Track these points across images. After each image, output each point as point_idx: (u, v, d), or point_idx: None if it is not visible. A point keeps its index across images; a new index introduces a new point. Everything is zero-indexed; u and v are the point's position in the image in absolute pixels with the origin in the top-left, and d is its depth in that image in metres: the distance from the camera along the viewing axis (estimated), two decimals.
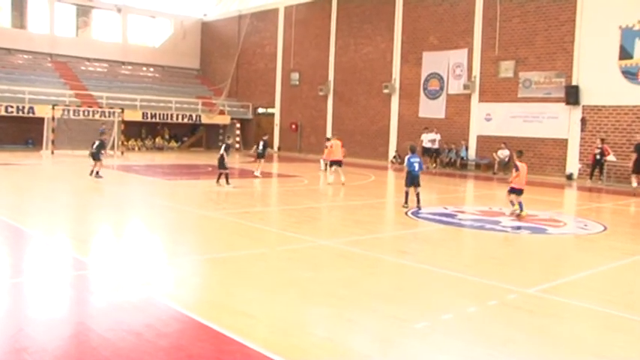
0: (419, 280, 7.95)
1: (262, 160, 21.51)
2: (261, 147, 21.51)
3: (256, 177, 20.71)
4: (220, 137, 39.25)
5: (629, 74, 23.22)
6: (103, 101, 33.88)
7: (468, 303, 6.78)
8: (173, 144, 37.75)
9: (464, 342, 5.62)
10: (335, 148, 19.78)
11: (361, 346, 5.44)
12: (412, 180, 13.82)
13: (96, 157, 18.40)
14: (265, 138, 22.80)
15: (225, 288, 7.10)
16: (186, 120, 36.82)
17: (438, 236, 11.54)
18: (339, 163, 19.54)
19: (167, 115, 35.90)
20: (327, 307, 6.53)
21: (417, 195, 13.84)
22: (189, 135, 39.41)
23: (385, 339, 5.69)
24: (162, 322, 5.81)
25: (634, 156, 20.57)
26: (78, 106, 32.08)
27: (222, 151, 17.31)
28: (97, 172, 18.22)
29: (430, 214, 13.42)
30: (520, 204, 13.28)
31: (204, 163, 27.35)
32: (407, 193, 13.97)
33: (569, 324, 6.37)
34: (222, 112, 38.53)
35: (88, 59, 40.31)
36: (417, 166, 13.77)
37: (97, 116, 31.48)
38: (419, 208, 13.65)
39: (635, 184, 20.37)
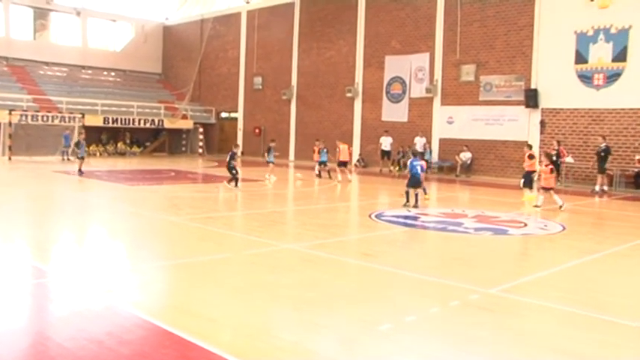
0: (383, 282, 8.00)
1: (271, 165, 22.99)
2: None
3: (266, 179, 22.17)
4: (183, 142, 39.00)
5: (584, 78, 23.85)
6: (63, 106, 33.19)
7: (431, 304, 6.85)
8: (135, 149, 37.23)
9: (427, 342, 5.68)
10: (342, 151, 22.82)
11: (327, 348, 5.45)
12: (414, 182, 15.04)
13: (81, 155, 21.57)
14: (272, 145, 24.12)
15: (189, 293, 7.03)
16: (148, 125, 36.33)
17: (401, 238, 11.64)
18: (344, 164, 22.70)
19: (129, 119, 35.37)
20: (293, 310, 6.52)
21: (416, 195, 15.12)
22: (152, 140, 38.94)
23: (350, 341, 5.71)
24: (125, 330, 5.72)
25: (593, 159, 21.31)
26: (36, 111, 31.37)
27: (228, 158, 18.67)
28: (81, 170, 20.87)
29: (393, 216, 13.53)
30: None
31: (167, 168, 27.04)
32: (407, 193, 15.22)
33: (531, 322, 6.49)
34: (184, 117, 38.19)
35: (47, 63, 39.48)
36: (419, 169, 14.96)
37: (56, 121, 30.86)
38: (416, 206, 14.83)
39: (597, 187, 21.03)
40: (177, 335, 5.52)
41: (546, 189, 15.98)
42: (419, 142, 28.68)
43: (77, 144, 22.90)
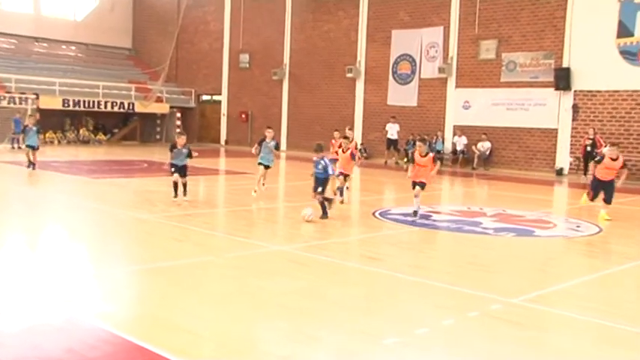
0: (389, 289, 8.00)
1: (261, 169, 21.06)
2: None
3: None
4: (158, 129, 38.83)
5: (628, 54, 23.75)
6: (12, 85, 32.76)
7: (445, 315, 6.85)
8: (101, 137, 37.11)
9: (440, 359, 5.68)
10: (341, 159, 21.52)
11: None
12: (317, 184, 13.31)
13: (30, 144, 19.85)
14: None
15: (164, 302, 7.01)
16: (116, 108, 36.14)
17: (409, 239, 11.64)
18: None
19: (93, 102, 35.10)
20: (285, 321, 6.51)
21: (323, 203, 12.95)
22: (121, 126, 38.85)
23: (350, 356, 5.71)
24: (88, 346, 5.70)
25: None
26: None
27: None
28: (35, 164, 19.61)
29: (401, 214, 13.54)
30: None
31: (138, 159, 27.01)
32: (322, 204, 13.02)
33: (560, 337, 6.50)
34: (159, 100, 38.02)
35: None
36: (325, 167, 13.24)
37: (4, 103, 30.57)
38: (324, 217, 12.67)
39: None
40: (151, 351, 5.50)
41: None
42: (391, 129, 28.63)
43: (24, 130, 21.00)
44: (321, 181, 12.64)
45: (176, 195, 13.92)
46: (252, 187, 15.80)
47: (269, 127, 16.65)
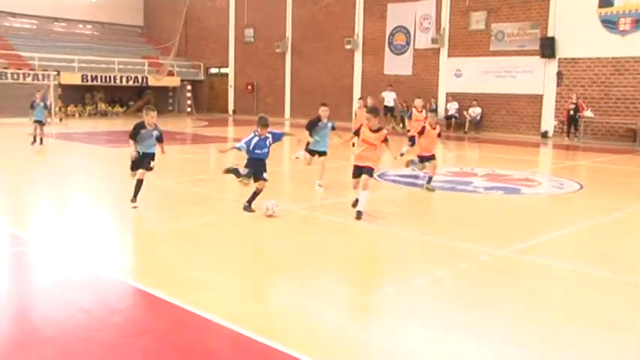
0: (388, 244, 8.09)
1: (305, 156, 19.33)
2: None
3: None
4: (170, 101, 38.75)
5: (608, 23, 23.54)
6: (35, 62, 32.68)
7: (439, 266, 6.95)
8: (118, 109, 37.04)
9: (435, 306, 5.78)
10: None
11: (332, 313, 5.55)
12: (254, 167, 11.33)
13: (38, 119, 18.17)
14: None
15: (181, 259, 7.11)
16: (131, 82, 35.99)
17: (407, 199, 11.72)
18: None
19: (109, 77, 34.99)
20: (293, 274, 6.61)
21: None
22: (136, 99, 38.72)
23: (354, 304, 5.82)
24: (114, 298, 5.81)
25: None
26: (5, 67, 30.89)
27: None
28: (42, 139, 18.30)
29: (398, 176, 13.59)
30: None
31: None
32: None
33: (545, 284, 6.60)
34: (170, 74, 37.87)
35: (13, 14, 38.51)
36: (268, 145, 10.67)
37: (28, 79, 30.48)
38: (248, 208, 9.75)
39: None
40: (170, 302, 5.60)
41: None
42: (387, 97, 28.43)
43: (32, 105, 18.36)
44: (261, 163, 9.58)
45: (135, 197, 9.54)
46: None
47: (324, 104, 12.45)
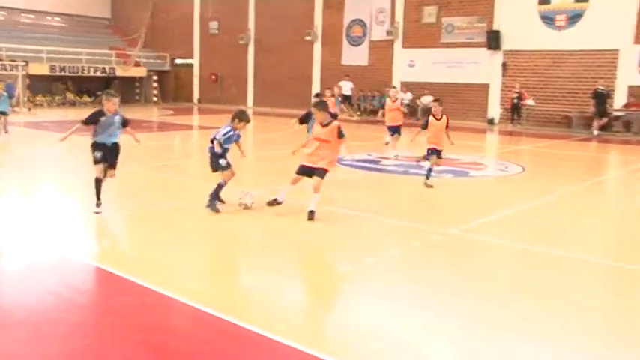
0: (345, 226, 8.11)
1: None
2: None
3: None
4: (137, 91, 38.07)
5: (547, 19, 24.04)
6: (3, 53, 31.73)
7: (392, 245, 7.00)
8: (86, 99, 36.20)
9: (387, 282, 5.83)
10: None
11: (290, 293, 5.55)
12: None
13: (6, 111, 17.41)
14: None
15: (146, 242, 7.03)
16: (99, 73, 35.20)
17: (362, 182, 11.76)
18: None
19: (78, 68, 34.20)
20: (255, 256, 6.59)
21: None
22: (103, 89, 37.85)
23: (311, 282, 5.83)
24: (81, 280, 5.72)
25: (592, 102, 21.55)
26: None
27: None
28: (6, 128, 17.54)
29: (354, 160, 13.63)
30: None
31: None
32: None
33: (490, 260, 6.72)
34: (137, 64, 37.20)
35: None
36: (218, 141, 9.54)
37: None
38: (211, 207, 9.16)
39: (595, 131, 21.21)
40: (136, 283, 5.53)
41: None
42: (345, 86, 28.43)
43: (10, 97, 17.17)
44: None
45: (99, 199, 8.27)
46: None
47: (317, 95, 11.80)
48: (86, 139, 8.47)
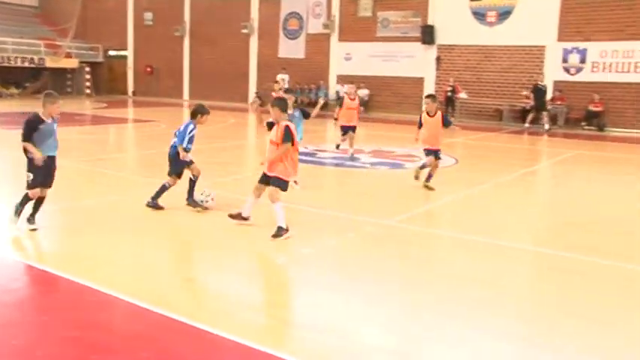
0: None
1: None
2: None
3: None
4: (68, 83, 36.88)
5: (478, 15, 24.71)
6: None
7: (328, 237, 7.09)
8: (13, 90, 34.78)
9: (322, 272, 5.91)
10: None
11: (224, 283, 5.55)
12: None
13: None
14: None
15: (79, 237, 6.86)
16: (27, 64, 33.88)
17: (300, 175, 11.79)
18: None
19: (3, 57, 32.77)
20: (189, 250, 6.55)
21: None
22: (32, 80, 36.49)
23: (247, 274, 5.84)
24: (8, 278, 5.54)
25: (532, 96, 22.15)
26: None
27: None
28: None
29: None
30: None
31: None
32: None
33: (424, 249, 6.89)
34: (68, 55, 36.00)
35: None
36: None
37: None
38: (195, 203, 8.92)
39: (527, 124, 21.81)
40: (68, 279, 5.41)
41: None
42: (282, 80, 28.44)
43: None
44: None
45: (33, 218, 7.05)
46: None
47: (287, 91, 11.31)
48: (13, 134, 8.16)
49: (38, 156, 6.69)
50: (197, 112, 8.24)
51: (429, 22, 25.86)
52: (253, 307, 5.05)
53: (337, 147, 13.71)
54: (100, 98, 34.80)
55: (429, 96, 10.58)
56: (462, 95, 24.72)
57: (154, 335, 4.39)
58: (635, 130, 21.59)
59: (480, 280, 5.78)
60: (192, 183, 8.36)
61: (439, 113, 10.09)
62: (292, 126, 6.89)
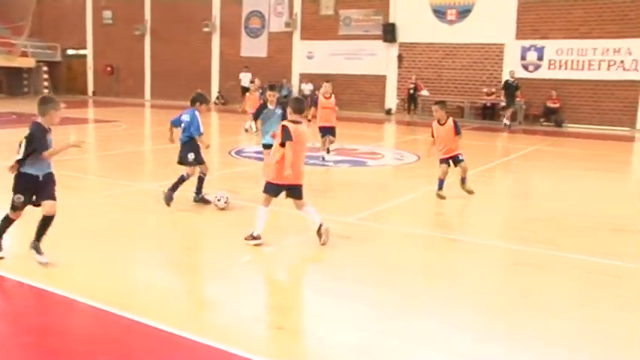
0: (244, 217, 8.09)
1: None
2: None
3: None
4: (25, 82, 36.05)
5: (439, 13, 25.02)
6: None
7: (288, 235, 7.13)
8: None
9: (285, 270, 5.93)
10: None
11: (189, 284, 5.53)
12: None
13: None
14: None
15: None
16: None
17: (259, 174, 11.78)
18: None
19: None
20: (152, 250, 6.49)
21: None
22: None
23: (212, 273, 5.82)
24: None
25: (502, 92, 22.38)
26: None
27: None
28: None
29: (254, 152, 13.65)
30: None
31: (6, 111, 25.04)
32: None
33: (386, 245, 6.97)
34: (24, 54, 35.18)
35: None
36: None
37: None
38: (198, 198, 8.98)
39: (507, 121, 21.87)
40: (26, 283, 5.31)
41: None
42: (244, 78, 28.34)
43: None
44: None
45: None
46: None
47: (271, 88, 10.42)
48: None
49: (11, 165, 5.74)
50: (196, 100, 8.23)
51: (391, 21, 26.08)
52: (218, 307, 5.03)
53: (328, 152, 13.05)
54: (58, 98, 34.02)
55: (437, 102, 9.93)
56: (424, 93, 24.98)
57: (117, 338, 4.35)
58: (591, 126, 22.15)
59: (442, 276, 5.87)
60: (201, 180, 8.42)
61: (450, 120, 9.49)
62: (292, 126, 6.50)
